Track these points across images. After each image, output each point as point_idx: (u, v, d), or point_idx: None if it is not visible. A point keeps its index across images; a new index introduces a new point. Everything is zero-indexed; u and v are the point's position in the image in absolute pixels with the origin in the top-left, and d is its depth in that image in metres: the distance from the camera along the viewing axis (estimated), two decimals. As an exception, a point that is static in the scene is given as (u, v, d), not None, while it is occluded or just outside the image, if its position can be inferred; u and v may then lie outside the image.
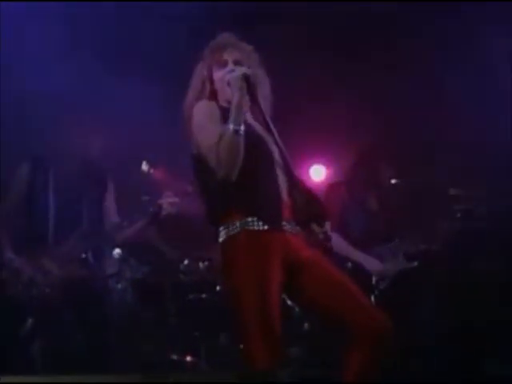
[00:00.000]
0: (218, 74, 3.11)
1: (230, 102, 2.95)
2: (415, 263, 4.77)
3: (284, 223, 2.97)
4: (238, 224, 2.92)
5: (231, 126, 2.85)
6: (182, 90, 3.19)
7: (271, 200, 2.97)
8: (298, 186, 3.03)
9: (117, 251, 5.19)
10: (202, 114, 3.02)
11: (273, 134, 3.01)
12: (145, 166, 4.59)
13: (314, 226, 3.00)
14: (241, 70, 2.97)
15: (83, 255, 4.36)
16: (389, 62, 5.56)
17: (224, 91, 3.05)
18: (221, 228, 2.96)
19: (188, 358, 4.88)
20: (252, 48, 3.19)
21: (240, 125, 2.86)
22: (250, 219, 2.92)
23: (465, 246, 5.10)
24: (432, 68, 5.52)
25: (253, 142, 2.95)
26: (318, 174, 6.42)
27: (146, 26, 5.30)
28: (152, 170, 4.68)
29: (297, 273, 2.96)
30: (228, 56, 3.11)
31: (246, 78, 2.93)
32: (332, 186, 5.02)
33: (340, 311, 2.92)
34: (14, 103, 4.96)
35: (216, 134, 2.89)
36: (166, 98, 4.67)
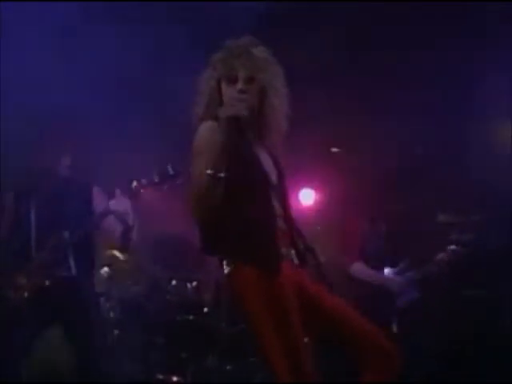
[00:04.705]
0: (226, 90, 2.88)
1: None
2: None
3: (285, 250, 2.87)
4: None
5: (209, 172, 2.68)
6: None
7: (268, 244, 2.79)
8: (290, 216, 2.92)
9: (105, 270, 5.18)
10: (202, 139, 2.81)
11: (275, 162, 2.92)
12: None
13: (308, 256, 2.92)
14: (236, 109, 2.76)
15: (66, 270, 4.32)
16: (384, 87, 5.60)
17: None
18: (225, 261, 2.80)
19: (174, 379, 4.86)
20: (268, 55, 2.92)
21: (220, 171, 2.67)
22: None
23: (459, 272, 5.15)
24: (430, 95, 5.57)
25: (251, 172, 2.81)
26: (307, 197, 6.45)
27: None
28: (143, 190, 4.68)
29: (305, 303, 2.83)
30: (239, 69, 2.85)
31: (237, 120, 2.74)
32: (351, 220, 5.02)
33: (349, 340, 2.86)
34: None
35: (202, 171, 2.70)
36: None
